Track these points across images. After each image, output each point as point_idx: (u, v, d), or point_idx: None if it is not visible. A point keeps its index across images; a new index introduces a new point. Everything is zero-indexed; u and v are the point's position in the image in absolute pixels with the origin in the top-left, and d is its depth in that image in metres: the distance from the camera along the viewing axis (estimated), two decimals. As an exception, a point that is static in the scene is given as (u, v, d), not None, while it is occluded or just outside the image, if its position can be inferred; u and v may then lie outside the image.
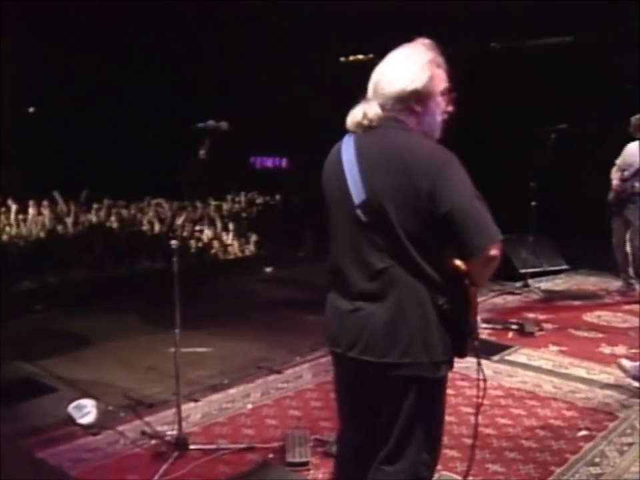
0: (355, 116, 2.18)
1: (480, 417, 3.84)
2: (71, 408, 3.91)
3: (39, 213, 9.29)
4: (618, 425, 3.92)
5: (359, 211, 2.11)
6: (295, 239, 9.14)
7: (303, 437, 3.59)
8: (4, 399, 3.96)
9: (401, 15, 8.58)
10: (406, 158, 2.06)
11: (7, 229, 8.50)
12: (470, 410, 3.93)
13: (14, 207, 9.20)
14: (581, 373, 4.79)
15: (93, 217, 9.51)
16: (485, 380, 2.24)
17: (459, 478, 3.22)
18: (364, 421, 2.31)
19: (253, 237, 9.23)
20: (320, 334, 2.33)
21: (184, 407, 3.79)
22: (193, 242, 8.66)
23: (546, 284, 7.47)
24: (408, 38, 2.24)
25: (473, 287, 2.13)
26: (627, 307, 6.53)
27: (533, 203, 6.96)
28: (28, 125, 11.76)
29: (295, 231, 9.24)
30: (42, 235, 8.41)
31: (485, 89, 9.60)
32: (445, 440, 3.53)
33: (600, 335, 5.66)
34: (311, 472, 3.35)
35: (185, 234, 8.52)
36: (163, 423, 3.85)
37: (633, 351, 5.19)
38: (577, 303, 6.74)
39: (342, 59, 12.91)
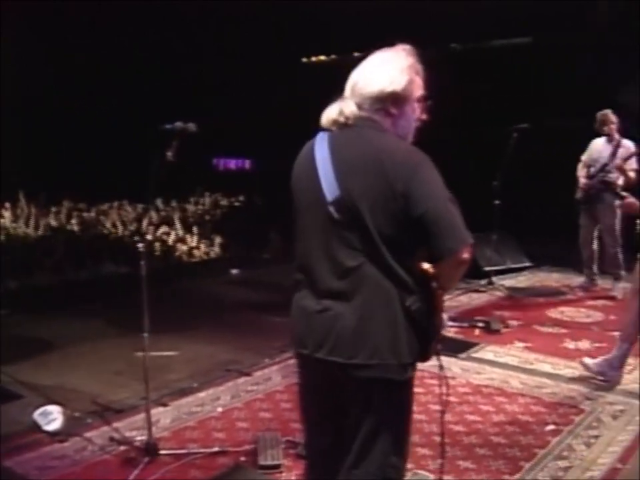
0: (330, 113, 2.18)
1: (449, 415, 3.92)
2: (36, 415, 3.83)
3: (0, 216, 9.11)
4: (584, 419, 4.00)
5: (331, 208, 2.10)
6: (260, 241, 9.11)
7: (275, 439, 3.57)
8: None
9: (363, 16, 8.64)
10: (382, 159, 2.06)
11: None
12: (439, 407, 3.94)
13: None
14: (547, 368, 4.86)
15: (52, 220, 9.35)
16: (447, 378, 2.24)
17: (432, 476, 3.24)
18: (331, 423, 2.29)
19: (218, 239, 9.17)
20: (288, 335, 2.31)
21: (153, 411, 3.74)
22: (157, 245, 8.57)
23: (510, 281, 7.57)
24: (371, 39, 2.26)
25: (440, 291, 2.14)
26: (589, 303, 6.67)
27: (497, 202, 7.05)
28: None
29: (260, 233, 9.22)
30: (2, 237, 8.24)
31: (446, 90, 9.69)
32: (416, 438, 3.59)
33: (564, 331, 5.76)
34: (283, 474, 3.34)
35: (149, 237, 8.42)
36: (131, 429, 3.79)
37: (597, 345, 5.29)
38: (540, 299, 6.85)
39: (304, 59, 12.92)
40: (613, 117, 6.61)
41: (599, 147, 6.75)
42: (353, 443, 2.18)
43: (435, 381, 4.25)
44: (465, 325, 5.79)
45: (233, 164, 15.39)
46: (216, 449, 3.55)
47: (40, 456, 3.52)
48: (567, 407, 4.16)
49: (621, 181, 6.05)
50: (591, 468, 3.41)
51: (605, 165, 6.56)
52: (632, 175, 5.39)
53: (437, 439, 3.58)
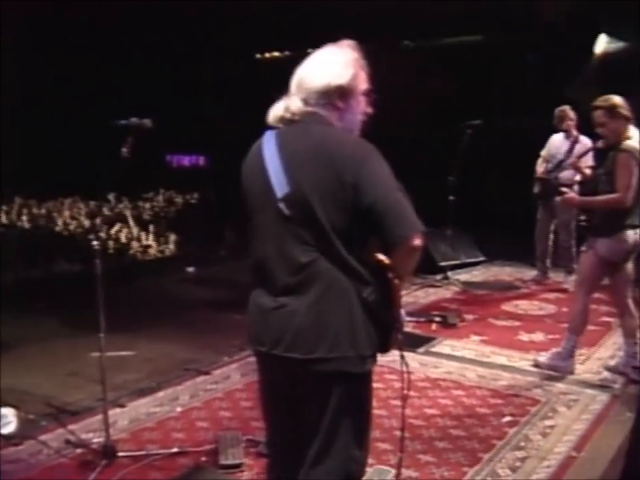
0: (276, 110, 2.20)
1: (409, 409, 3.95)
2: (-12, 418, 3.73)
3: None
4: (540, 409, 4.08)
5: (281, 205, 2.10)
6: (215, 238, 9.04)
7: (235, 438, 3.54)
8: None
9: (315, 13, 8.62)
10: (330, 152, 2.09)
11: None
12: (399, 402, 3.98)
13: None
14: (502, 360, 4.95)
15: (2, 217, 9.12)
16: (409, 372, 2.25)
17: (393, 470, 3.26)
18: (292, 420, 2.28)
19: (173, 237, 9.07)
20: (246, 333, 2.30)
21: (110, 412, 3.65)
22: (111, 242, 8.43)
23: (465, 276, 7.67)
24: (322, 35, 2.28)
25: (397, 281, 2.15)
26: (542, 296, 6.81)
27: (451, 198, 7.13)
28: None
29: (215, 230, 9.15)
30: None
31: (399, 87, 9.75)
32: (377, 433, 3.61)
33: (518, 323, 5.87)
34: (245, 473, 3.32)
35: (102, 234, 8.28)
36: (88, 431, 3.72)
37: (550, 337, 5.40)
38: (495, 293, 6.96)
39: (257, 55, 12.84)
40: (571, 113, 6.72)
41: (557, 142, 6.86)
42: (314, 438, 2.18)
43: (394, 376, 4.32)
44: (422, 319, 5.84)
45: (186, 161, 15.23)
46: (176, 450, 3.50)
47: (-7, 461, 3.43)
48: (523, 398, 4.24)
49: (578, 177, 6.17)
50: (547, 457, 3.48)
51: (562, 161, 6.67)
52: (587, 171, 5.49)
53: (398, 433, 3.60)
